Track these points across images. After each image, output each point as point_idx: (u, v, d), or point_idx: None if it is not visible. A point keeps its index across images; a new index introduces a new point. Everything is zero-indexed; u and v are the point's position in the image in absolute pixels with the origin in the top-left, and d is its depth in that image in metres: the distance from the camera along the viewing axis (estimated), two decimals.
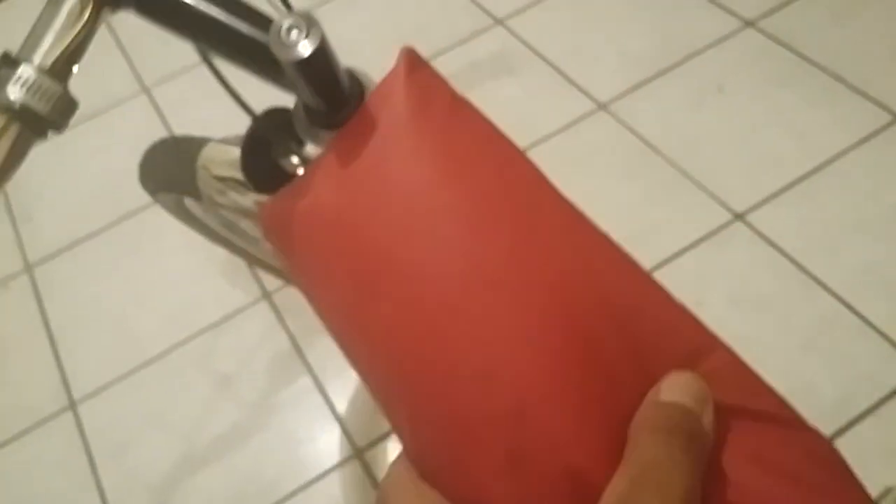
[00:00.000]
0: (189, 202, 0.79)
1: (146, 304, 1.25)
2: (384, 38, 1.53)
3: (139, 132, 1.37)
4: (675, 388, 0.27)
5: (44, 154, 1.44)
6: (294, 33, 0.30)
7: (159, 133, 1.46)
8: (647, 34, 1.42)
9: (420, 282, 0.30)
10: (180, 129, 1.45)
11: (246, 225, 0.96)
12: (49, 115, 0.32)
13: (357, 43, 1.64)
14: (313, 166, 0.34)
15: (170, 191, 0.71)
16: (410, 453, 0.30)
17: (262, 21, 0.37)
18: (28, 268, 1.33)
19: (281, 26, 0.30)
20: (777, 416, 0.29)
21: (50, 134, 0.33)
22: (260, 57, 0.37)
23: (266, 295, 1.22)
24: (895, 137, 1.19)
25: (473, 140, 0.33)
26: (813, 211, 1.14)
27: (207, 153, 0.62)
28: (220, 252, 1.04)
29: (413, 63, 0.34)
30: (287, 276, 1.04)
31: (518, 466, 0.27)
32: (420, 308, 0.29)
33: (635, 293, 0.30)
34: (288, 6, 0.43)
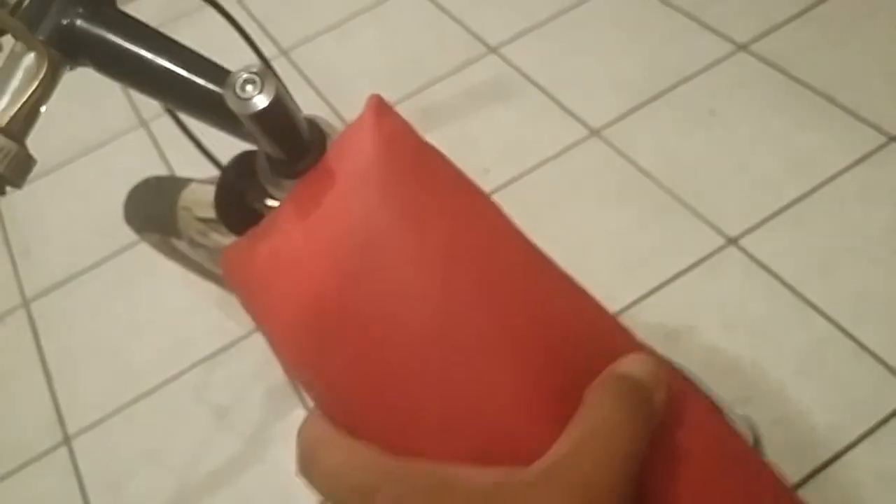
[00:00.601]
0: (175, 240, 0.81)
1: (142, 338, 1.27)
2: (377, 68, 1.56)
3: (137, 166, 1.40)
4: (632, 363, 0.28)
5: (42, 188, 1.47)
6: (249, 87, 0.32)
7: (157, 167, 1.49)
8: (639, 60, 1.44)
9: (381, 327, 0.30)
10: (178, 163, 1.48)
11: None
12: (5, 173, 0.34)
13: (350, 73, 1.68)
14: (275, 213, 0.35)
15: (152, 231, 0.74)
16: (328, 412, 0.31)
17: (219, 74, 0.39)
18: (25, 303, 1.36)
19: (236, 80, 0.31)
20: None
21: (8, 189, 0.35)
22: (218, 109, 0.38)
23: (259, 327, 1.24)
24: (888, 159, 1.20)
25: (439, 186, 0.34)
26: (806, 234, 1.15)
27: (188, 195, 0.64)
28: (214, 285, 1.06)
29: (380, 110, 0.35)
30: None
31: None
32: (380, 355, 0.30)
33: (594, 331, 0.31)
34: (261, 57, 0.45)
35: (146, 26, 0.39)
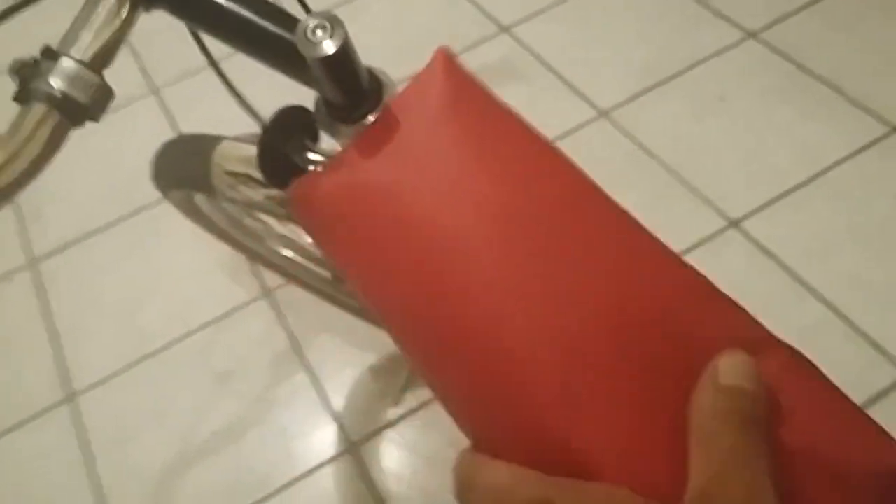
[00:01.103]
0: (198, 199, 0.86)
1: (148, 300, 1.32)
2: (390, 44, 1.60)
3: (148, 133, 1.45)
4: (734, 371, 0.29)
5: None
6: (319, 32, 0.35)
7: (168, 134, 1.54)
8: (649, 45, 1.49)
9: (465, 253, 0.33)
10: (189, 130, 1.52)
11: (252, 222, 1.03)
12: (88, 104, 0.39)
13: (360, 48, 1.72)
14: (342, 153, 0.39)
15: (182, 187, 0.78)
16: (477, 442, 0.33)
17: (288, 20, 0.41)
18: (34, 262, 1.41)
19: (307, 25, 0.34)
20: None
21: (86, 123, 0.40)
22: (285, 54, 0.41)
23: (266, 293, 1.30)
24: (890, 148, 1.26)
25: (510, 132, 0.37)
26: (807, 219, 1.20)
27: (221, 150, 0.68)
28: (222, 250, 1.11)
29: (448, 60, 0.39)
30: (289, 272, 1.11)
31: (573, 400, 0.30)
32: (472, 281, 0.33)
33: (677, 289, 0.33)
34: (307, 8, 0.48)
35: None
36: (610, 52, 1.49)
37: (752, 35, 1.46)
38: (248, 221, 1.03)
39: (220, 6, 0.41)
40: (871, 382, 1.03)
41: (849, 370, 1.05)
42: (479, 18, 1.61)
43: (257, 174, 0.60)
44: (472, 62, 1.54)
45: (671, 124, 1.36)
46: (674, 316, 0.32)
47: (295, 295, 1.25)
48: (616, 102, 1.40)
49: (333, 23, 0.35)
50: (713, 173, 1.28)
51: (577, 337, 0.31)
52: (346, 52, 0.36)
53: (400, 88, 0.41)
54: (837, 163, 1.25)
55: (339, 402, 1.17)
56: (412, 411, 1.14)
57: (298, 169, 0.51)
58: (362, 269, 0.38)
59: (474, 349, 0.33)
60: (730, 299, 0.33)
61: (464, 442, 0.34)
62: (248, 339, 1.26)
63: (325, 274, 1.07)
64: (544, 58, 1.51)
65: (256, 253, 1.12)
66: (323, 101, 0.41)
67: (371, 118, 0.39)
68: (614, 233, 0.34)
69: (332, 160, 0.40)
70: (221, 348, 1.26)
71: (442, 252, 0.34)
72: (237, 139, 0.68)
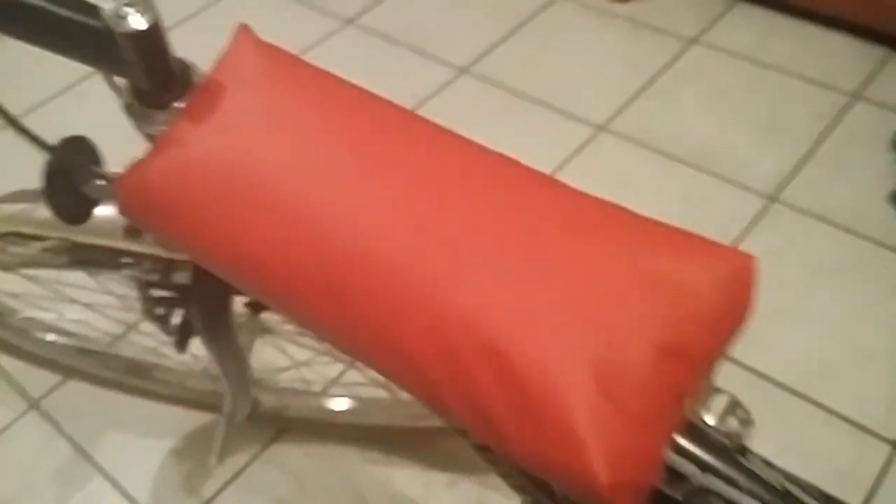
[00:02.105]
0: None
1: None
2: None
3: None
4: None
5: None
6: (131, 10, 0.38)
7: None
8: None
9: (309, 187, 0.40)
10: None
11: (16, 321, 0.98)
12: None
13: None
14: (172, 131, 0.42)
15: None
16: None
17: (90, 8, 0.42)
18: None
19: (119, 3, 0.38)
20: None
21: None
22: (92, 43, 0.41)
23: (34, 403, 1.22)
24: (599, 147, 1.49)
25: (324, 83, 0.44)
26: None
27: None
28: None
29: (249, 33, 0.45)
30: (62, 359, 1.06)
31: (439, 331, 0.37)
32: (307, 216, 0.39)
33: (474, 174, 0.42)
34: None
35: None
36: None
37: (464, 70, 1.65)
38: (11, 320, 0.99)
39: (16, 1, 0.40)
40: None
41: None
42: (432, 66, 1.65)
43: (27, 228, 0.61)
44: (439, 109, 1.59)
45: None
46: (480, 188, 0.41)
47: (68, 398, 1.19)
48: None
49: (144, 2, 0.39)
50: None
51: (422, 216, 0.39)
52: (157, 30, 0.39)
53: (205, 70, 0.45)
54: (554, 172, 1.46)
55: (145, 497, 1.13)
56: (227, 483, 1.13)
57: (90, 200, 0.52)
58: (215, 237, 0.42)
59: (345, 267, 0.39)
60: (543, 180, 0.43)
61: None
62: (24, 458, 1.17)
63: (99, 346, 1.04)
64: None
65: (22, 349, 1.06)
66: (133, 91, 0.44)
67: (184, 102, 0.43)
68: (427, 144, 0.42)
69: (155, 149, 0.43)
70: None
71: (290, 195, 0.40)
72: None
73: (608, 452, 0.35)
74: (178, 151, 0.43)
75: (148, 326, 1.18)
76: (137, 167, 0.44)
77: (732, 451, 0.44)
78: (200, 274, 0.64)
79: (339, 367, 1.16)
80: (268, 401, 1.02)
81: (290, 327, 0.96)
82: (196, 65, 0.48)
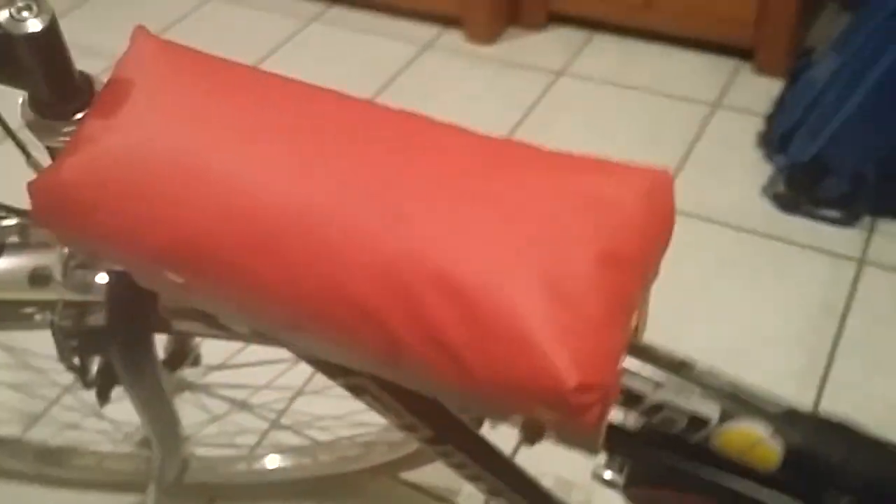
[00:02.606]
0: None
1: None
2: None
3: None
4: None
5: None
6: (25, 13, 0.38)
7: None
8: None
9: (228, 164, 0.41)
10: None
11: None
12: None
13: None
14: (80, 135, 0.43)
15: None
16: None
17: None
18: None
19: (13, 5, 0.37)
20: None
21: None
22: None
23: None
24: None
25: (226, 69, 0.46)
26: None
27: None
28: None
29: (147, 34, 0.46)
30: None
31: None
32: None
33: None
34: None
35: None
36: None
37: None
38: None
39: None
40: None
41: None
42: None
43: None
44: None
45: None
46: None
47: None
48: None
49: (40, 3, 0.39)
50: None
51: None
52: (54, 31, 0.39)
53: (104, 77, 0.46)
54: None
55: None
56: None
57: None
58: (141, 225, 0.42)
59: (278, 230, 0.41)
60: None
61: None
62: None
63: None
64: None
65: None
66: (32, 103, 0.44)
67: (85, 112, 0.43)
68: (338, 108, 0.45)
69: (66, 152, 0.43)
70: None
71: (214, 169, 0.42)
72: None
73: (570, 355, 0.37)
74: (92, 148, 0.43)
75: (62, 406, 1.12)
76: (51, 169, 0.44)
77: (679, 365, 0.46)
78: (116, 309, 0.63)
79: (261, 423, 1.13)
80: (196, 470, 0.99)
81: (208, 379, 0.94)
82: (95, 77, 0.49)
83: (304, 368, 0.61)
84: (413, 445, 0.98)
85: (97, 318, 0.66)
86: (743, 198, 1.50)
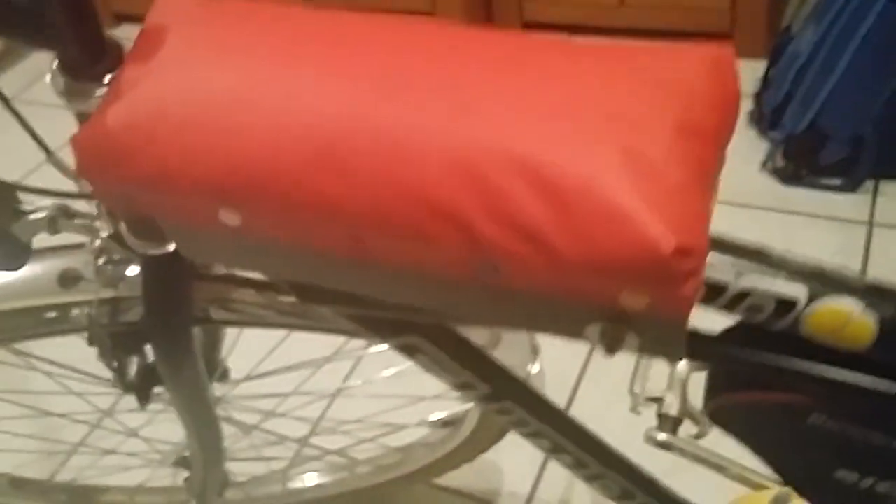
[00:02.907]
0: None
1: None
2: None
3: None
4: None
5: None
6: None
7: None
8: None
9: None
10: None
11: None
12: None
13: None
14: (118, 81, 0.43)
15: None
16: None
17: None
18: None
19: None
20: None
21: None
22: (20, 14, 0.41)
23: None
24: None
25: (261, 7, 0.45)
26: None
27: None
28: None
29: None
30: None
31: None
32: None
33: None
34: None
35: None
36: None
37: None
38: None
39: None
40: None
41: None
42: None
43: None
44: None
45: None
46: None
47: None
48: None
49: None
50: None
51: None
52: None
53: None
54: None
55: None
56: None
57: (22, 243, 0.51)
58: (198, 161, 0.41)
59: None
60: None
61: None
62: None
63: None
64: None
65: None
66: (63, 67, 0.44)
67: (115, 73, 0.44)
68: (386, 30, 0.45)
69: (104, 101, 0.43)
70: None
71: (270, 95, 0.41)
72: None
73: (664, 222, 0.36)
74: (135, 91, 0.42)
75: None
76: (94, 119, 0.43)
77: (757, 252, 0.46)
78: (153, 299, 0.61)
79: (295, 433, 1.11)
80: (232, 491, 0.96)
81: (240, 391, 0.92)
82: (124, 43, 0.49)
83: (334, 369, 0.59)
84: (452, 443, 0.96)
85: (132, 314, 0.64)
86: (744, 176, 1.50)
